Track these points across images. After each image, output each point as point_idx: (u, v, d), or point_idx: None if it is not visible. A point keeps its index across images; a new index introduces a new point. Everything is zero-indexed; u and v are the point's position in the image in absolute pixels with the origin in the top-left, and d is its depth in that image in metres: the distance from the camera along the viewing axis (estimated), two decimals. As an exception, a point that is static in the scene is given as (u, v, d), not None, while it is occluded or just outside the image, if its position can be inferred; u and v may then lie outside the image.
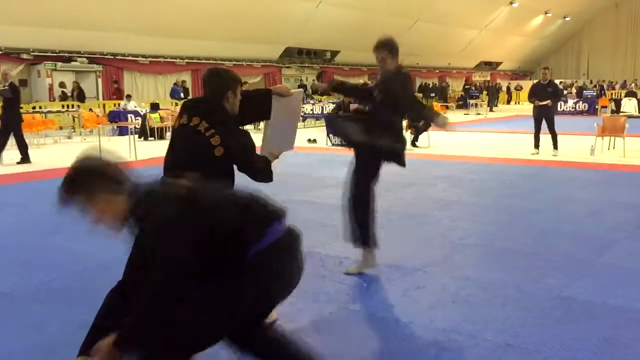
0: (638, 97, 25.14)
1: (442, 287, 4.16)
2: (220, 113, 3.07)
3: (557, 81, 35.05)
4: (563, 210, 6.69)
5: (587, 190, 8.00)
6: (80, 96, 19.19)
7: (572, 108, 25.78)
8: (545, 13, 37.08)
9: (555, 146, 11.45)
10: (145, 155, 11.17)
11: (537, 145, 11.71)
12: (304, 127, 19.05)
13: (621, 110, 23.94)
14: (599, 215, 6.34)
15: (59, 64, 20.02)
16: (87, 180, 2.12)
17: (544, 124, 11.52)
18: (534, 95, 11.73)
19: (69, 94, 19.61)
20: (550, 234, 5.57)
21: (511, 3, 33.13)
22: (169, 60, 22.98)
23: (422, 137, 13.49)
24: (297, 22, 24.51)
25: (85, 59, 20.51)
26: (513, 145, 13.36)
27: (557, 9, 37.09)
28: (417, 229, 5.84)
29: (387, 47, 4.32)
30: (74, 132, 16.16)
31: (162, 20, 20.11)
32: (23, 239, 5.57)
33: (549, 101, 11.50)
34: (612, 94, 30.65)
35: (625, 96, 26.26)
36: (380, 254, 4.49)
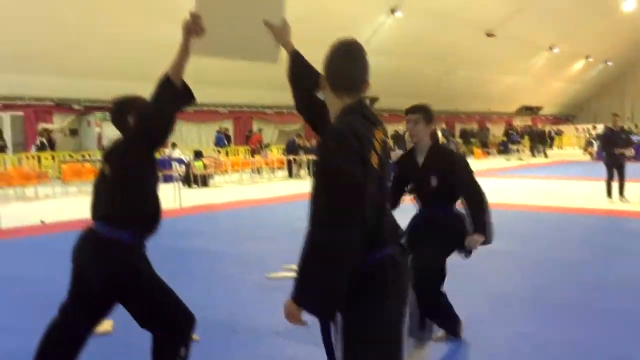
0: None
1: (492, 343, 4.06)
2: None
3: (601, 125, 34.53)
4: (617, 262, 6.49)
5: None
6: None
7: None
8: (586, 58, 36.84)
9: (622, 192, 11.26)
10: (189, 202, 11.38)
11: (610, 194, 11.40)
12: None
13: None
14: (653, 268, 6.13)
15: (108, 113, 20.73)
16: None
17: None
18: (609, 143, 11.45)
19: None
20: (603, 288, 5.40)
21: (551, 48, 33.06)
22: (212, 108, 23.57)
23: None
24: (336, 70, 24.86)
25: (132, 108, 21.22)
26: (562, 193, 13.10)
27: (598, 54, 36.82)
28: (462, 281, 5.74)
29: (421, 110, 3.92)
30: (120, 179, 16.60)
31: (206, 70, 20.65)
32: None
33: (631, 150, 11.29)
34: (659, 138, 29.92)
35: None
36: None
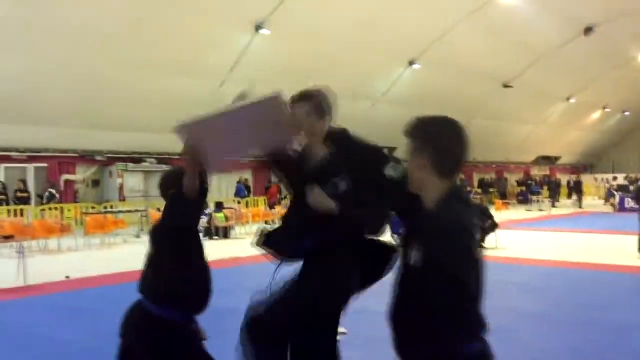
0: None
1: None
2: None
3: (620, 175, 34.19)
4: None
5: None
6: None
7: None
8: (603, 108, 36.89)
9: None
10: (213, 255, 11.27)
11: None
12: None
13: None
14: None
15: (130, 164, 21.03)
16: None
17: None
18: None
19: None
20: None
21: (568, 99, 33.18)
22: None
23: (489, 237, 13.20)
24: (353, 120, 25.05)
25: (154, 159, 21.50)
26: (589, 247, 12.87)
27: (615, 104, 36.87)
28: (499, 345, 5.57)
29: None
30: (142, 231, 16.63)
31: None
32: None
33: None
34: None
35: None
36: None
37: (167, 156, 21.61)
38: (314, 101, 2.89)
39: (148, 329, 2.90)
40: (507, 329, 6.09)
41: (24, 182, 18.43)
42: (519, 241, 13.19)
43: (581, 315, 6.75)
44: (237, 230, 17.41)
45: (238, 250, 13.17)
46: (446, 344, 2.02)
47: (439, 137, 2.09)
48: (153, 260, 3.02)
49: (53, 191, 18.55)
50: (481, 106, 28.39)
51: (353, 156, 2.82)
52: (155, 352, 2.89)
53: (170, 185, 3.02)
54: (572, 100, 33.25)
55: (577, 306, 7.25)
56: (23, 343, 5.94)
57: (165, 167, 21.44)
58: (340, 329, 2.93)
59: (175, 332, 2.89)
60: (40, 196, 18.93)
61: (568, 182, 35.75)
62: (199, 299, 3.01)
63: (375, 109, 25.07)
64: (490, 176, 35.05)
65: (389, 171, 2.64)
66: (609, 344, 5.66)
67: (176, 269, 2.93)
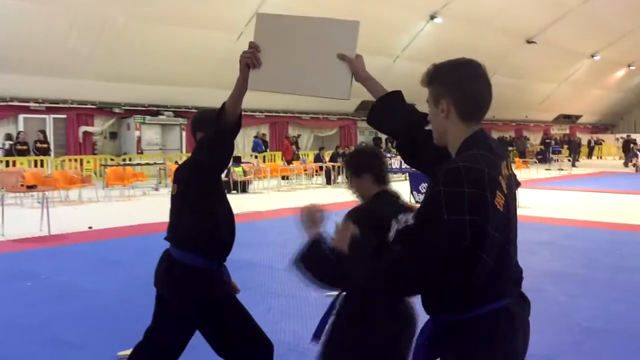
0: None
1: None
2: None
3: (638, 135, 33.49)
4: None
5: None
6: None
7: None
8: (629, 66, 35.98)
9: None
10: (234, 209, 11.27)
11: None
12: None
13: None
14: None
15: (147, 117, 20.95)
16: None
17: None
18: None
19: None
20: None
21: (592, 56, 32.35)
22: (249, 113, 23.59)
23: (511, 196, 13.05)
24: (374, 76, 24.67)
25: (171, 112, 21.38)
26: (612, 207, 12.67)
27: (641, 62, 35.94)
28: (533, 306, 5.50)
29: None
30: (160, 184, 16.66)
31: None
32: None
33: None
34: None
35: None
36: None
37: (184, 109, 21.49)
38: None
39: (176, 276, 2.88)
40: (537, 288, 6.00)
41: (43, 133, 18.44)
42: (541, 201, 13.01)
43: (610, 276, 6.63)
44: (255, 184, 17.38)
45: (257, 204, 13.17)
46: (456, 308, 1.86)
47: (457, 78, 1.92)
48: (176, 204, 2.97)
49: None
50: (503, 63, 27.75)
51: None
52: (184, 297, 2.88)
53: (197, 129, 2.96)
54: (596, 58, 32.41)
55: (605, 266, 7.13)
56: (54, 293, 5.95)
57: (182, 121, 21.38)
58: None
59: (202, 279, 2.86)
60: (61, 147, 18.94)
61: (589, 142, 35.23)
62: (221, 244, 2.96)
63: (396, 64, 24.60)
64: (509, 135, 34.59)
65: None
66: (635, 302, 5.56)
67: (199, 213, 2.89)
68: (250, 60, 2.31)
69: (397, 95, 2.32)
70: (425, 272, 1.78)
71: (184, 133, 21.67)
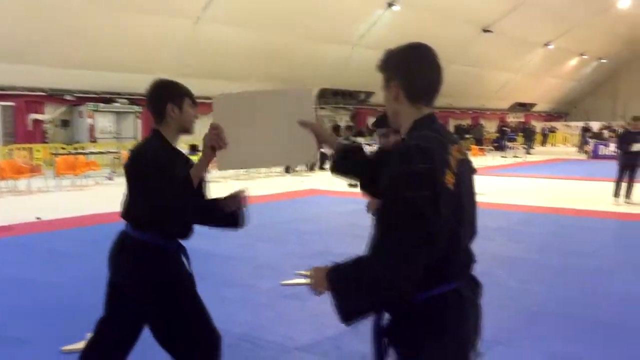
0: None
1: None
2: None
3: (594, 123, 34.59)
4: None
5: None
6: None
7: (614, 152, 25.19)
8: (581, 55, 36.88)
9: (630, 194, 11.29)
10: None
11: (617, 194, 11.36)
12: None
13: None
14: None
15: (100, 105, 20.38)
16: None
17: None
18: (625, 143, 11.42)
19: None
20: (633, 300, 5.22)
21: (546, 45, 33.01)
22: (202, 100, 23.18)
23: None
24: (333, 64, 24.67)
25: (126, 100, 20.86)
26: (565, 193, 12.97)
27: (593, 51, 36.86)
28: (485, 291, 5.55)
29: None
30: (114, 173, 16.26)
31: (201, 62, 20.41)
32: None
33: None
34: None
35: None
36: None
37: (138, 97, 20.98)
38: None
39: (129, 252, 2.78)
40: (489, 273, 6.07)
41: (-10, 121, 17.76)
42: (496, 187, 13.22)
43: (562, 261, 6.76)
44: (213, 173, 17.14)
45: (215, 193, 12.98)
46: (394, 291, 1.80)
47: (405, 61, 2.00)
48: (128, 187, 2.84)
49: None
50: (460, 52, 28.06)
51: None
52: (134, 274, 2.76)
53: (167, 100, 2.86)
54: (550, 47, 33.11)
55: (558, 251, 7.27)
56: (-6, 286, 5.72)
57: (137, 108, 20.88)
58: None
59: (155, 254, 2.74)
60: (10, 135, 18.29)
61: (542, 129, 36.05)
62: (176, 225, 2.84)
63: (354, 52, 24.57)
64: (466, 122, 35.08)
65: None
66: (591, 288, 5.68)
67: (149, 197, 2.71)
68: (215, 142, 2.33)
69: (356, 149, 2.38)
70: (404, 254, 1.75)
71: (139, 121, 21.18)
